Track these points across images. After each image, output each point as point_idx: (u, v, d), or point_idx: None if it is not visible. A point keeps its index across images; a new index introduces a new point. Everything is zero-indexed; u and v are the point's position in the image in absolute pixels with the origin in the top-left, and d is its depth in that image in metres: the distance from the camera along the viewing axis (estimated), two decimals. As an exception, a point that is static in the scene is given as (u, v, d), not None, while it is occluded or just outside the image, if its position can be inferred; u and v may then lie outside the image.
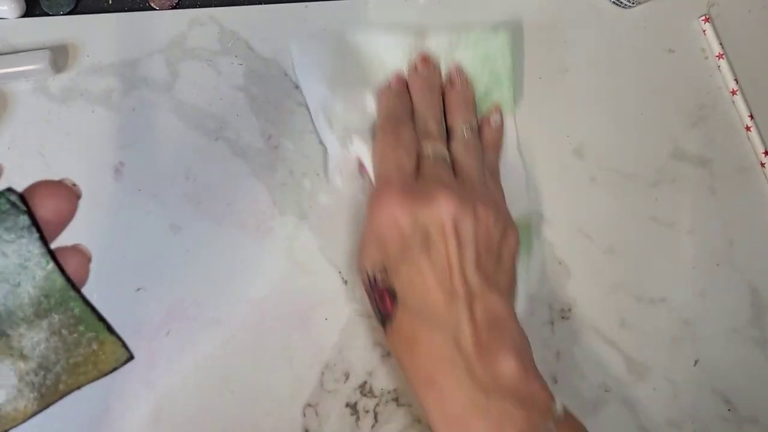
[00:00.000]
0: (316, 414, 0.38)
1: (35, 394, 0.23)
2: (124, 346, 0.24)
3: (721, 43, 0.44)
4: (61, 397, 0.23)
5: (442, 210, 0.34)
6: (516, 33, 0.43)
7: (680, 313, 0.42)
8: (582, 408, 0.40)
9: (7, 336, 0.22)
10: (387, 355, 0.39)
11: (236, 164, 0.40)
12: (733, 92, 0.43)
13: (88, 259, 0.24)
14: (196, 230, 0.39)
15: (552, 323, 0.41)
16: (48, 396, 0.23)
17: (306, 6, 0.42)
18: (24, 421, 0.23)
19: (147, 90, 0.40)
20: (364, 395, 0.39)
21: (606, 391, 0.41)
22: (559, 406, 0.32)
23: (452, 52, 0.41)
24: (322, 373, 0.39)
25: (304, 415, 0.38)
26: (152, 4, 0.41)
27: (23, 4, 0.39)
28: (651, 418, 0.41)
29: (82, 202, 0.23)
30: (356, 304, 0.39)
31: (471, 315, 0.33)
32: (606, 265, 0.42)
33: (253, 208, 0.40)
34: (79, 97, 0.39)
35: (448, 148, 0.39)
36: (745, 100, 0.43)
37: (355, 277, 0.39)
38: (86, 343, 0.23)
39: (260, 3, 0.41)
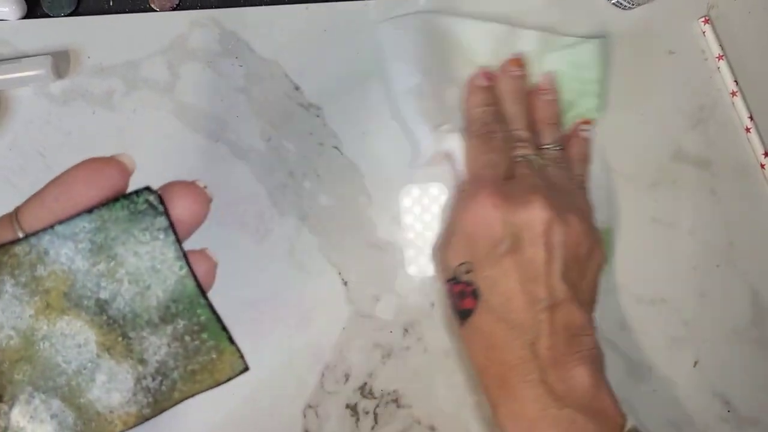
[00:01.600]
0: (317, 415, 0.38)
1: (150, 399, 0.22)
2: (242, 357, 0.23)
3: (720, 45, 0.44)
4: (174, 405, 0.22)
5: (536, 215, 0.34)
6: (608, 44, 0.43)
7: (680, 313, 0.42)
8: (582, 409, 0.40)
9: (129, 338, 0.21)
10: (387, 356, 0.39)
11: (237, 165, 0.40)
12: (733, 94, 0.43)
13: (215, 265, 0.23)
14: (196, 230, 0.39)
15: (552, 324, 0.41)
16: (162, 402, 0.22)
17: (306, 7, 0.42)
18: (135, 425, 0.22)
19: (148, 91, 0.40)
20: (364, 396, 0.39)
21: (606, 392, 0.41)
22: (630, 426, 0.32)
23: (542, 53, 0.41)
24: (323, 374, 0.39)
25: (305, 416, 0.38)
26: (153, 6, 0.41)
27: (24, 6, 0.39)
28: (651, 419, 0.41)
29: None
30: (356, 305, 0.39)
31: (551, 323, 0.33)
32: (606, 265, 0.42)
33: (254, 209, 0.40)
34: (80, 98, 0.39)
35: None
36: (745, 102, 0.43)
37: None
38: (206, 351, 0.22)
39: (261, 4, 0.42)
